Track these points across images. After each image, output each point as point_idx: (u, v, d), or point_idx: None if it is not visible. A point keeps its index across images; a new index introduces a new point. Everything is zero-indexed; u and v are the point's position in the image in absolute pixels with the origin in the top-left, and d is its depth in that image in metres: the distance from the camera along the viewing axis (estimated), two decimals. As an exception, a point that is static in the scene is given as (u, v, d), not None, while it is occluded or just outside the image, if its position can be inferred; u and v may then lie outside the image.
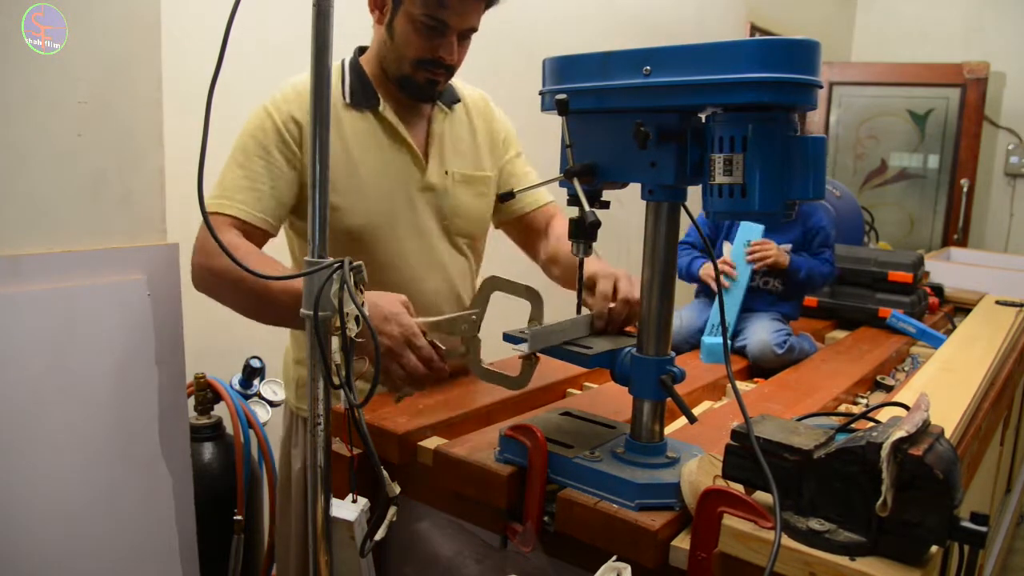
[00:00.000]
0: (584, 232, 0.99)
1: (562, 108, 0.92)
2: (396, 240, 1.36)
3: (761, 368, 1.73)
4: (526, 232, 1.55)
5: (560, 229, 1.48)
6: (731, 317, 1.81)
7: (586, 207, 0.95)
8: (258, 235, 1.28)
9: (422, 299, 1.36)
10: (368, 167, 1.33)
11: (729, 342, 1.78)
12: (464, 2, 1.24)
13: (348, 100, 1.34)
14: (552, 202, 1.53)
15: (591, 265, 1.16)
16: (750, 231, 1.86)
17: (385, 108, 1.35)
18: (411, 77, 1.31)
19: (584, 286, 1.10)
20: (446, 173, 1.40)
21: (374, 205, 1.33)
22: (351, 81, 1.35)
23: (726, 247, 1.88)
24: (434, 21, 1.24)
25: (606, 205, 1.00)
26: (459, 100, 1.45)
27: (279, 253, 1.43)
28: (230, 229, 1.24)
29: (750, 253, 1.81)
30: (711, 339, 1.69)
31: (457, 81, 1.45)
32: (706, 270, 1.88)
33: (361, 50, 1.41)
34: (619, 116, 0.92)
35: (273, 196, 1.28)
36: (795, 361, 1.72)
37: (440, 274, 1.43)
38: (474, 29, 1.31)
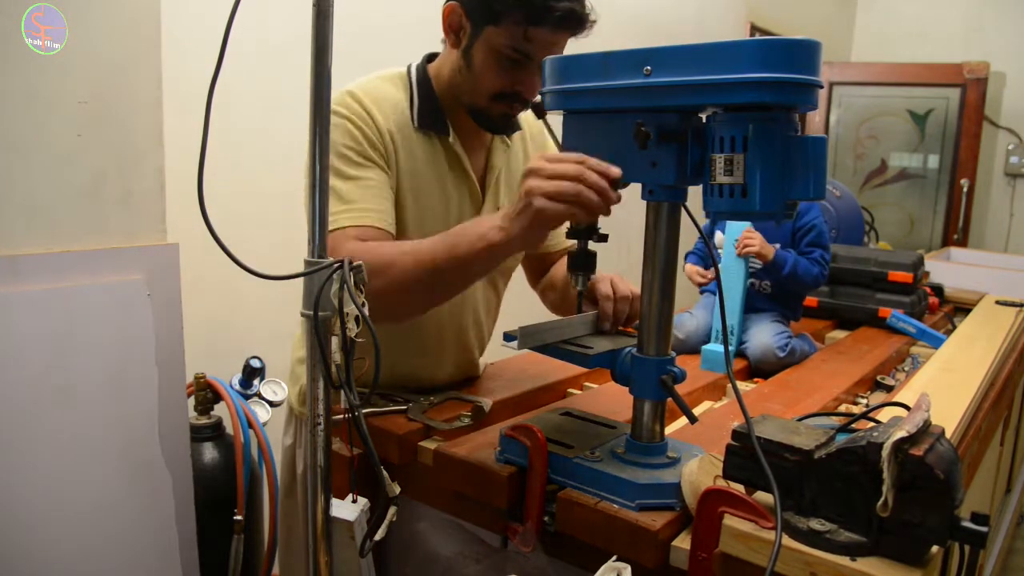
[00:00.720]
0: (583, 264, 0.99)
1: (537, 111, 0.91)
2: None
3: (761, 369, 1.73)
4: (539, 265, 1.50)
5: (557, 278, 1.44)
6: (732, 315, 1.79)
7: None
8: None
9: (450, 334, 1.33)
10: (431, 196, 1.25)
11: (731, 346, 1.77)
12: (555, 34, 1.14)
13: (416, 124, 1.23)
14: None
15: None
16: (740, 226, 1.83)
17: (454, 139, 1.25)
18: (486, 110, 1.22)
19: (584, 297, 1.09)
20: (497, 209, 1.30)
21: (429, 233, 1.24)
22: (419, 102, 1.24)
23: (718, 237, 1.87)
24: (518, 55, 1.14)
25: (604, 238, 1.00)
26: (519, 129, 1.36)
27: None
28: (349, 240, 1.14)
29: (736, 242, 1.79)
30: (711, 347, 1.69)
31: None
32: (689, 269, 1.89)
33: (429, 58, 1.31)
34: (619, 116, 0.92)
35: (387, 199, 1.19)
36: (796, 363, 1.72)
37: (472, 310, 1.37)
38: None
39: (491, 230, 1.00)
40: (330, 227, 1.08)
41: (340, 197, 1.14)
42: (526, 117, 1.35)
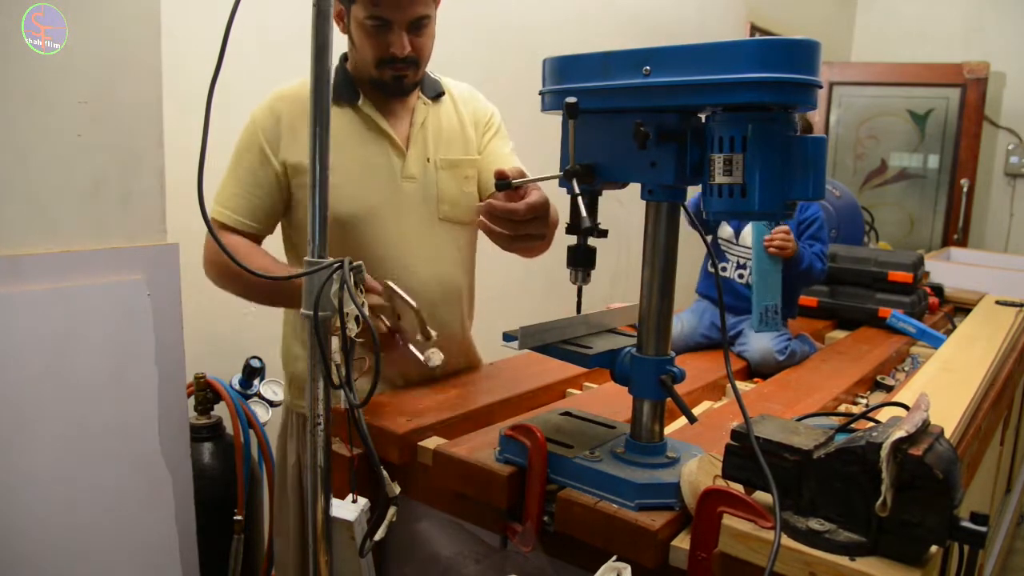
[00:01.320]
0: (583, 260, 0.99)
1: (572, 111, 0.91)
2: (383, 228, 1.39)
3: (761, 371, 1.73)
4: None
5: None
6: (776, 299, 1.77)
7: (583, 211, 0.94)
8: (252, 237, 1.38)
9: (414, 286, 1.36)
10: (350, 160, 1.36)
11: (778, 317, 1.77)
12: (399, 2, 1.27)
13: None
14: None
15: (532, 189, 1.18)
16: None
17: (364, 103, 1.39)
18: (378, 78, 1.35)
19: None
20: (428, 160, 1.43)
21: (357, 196, 1.37)
22: (334, 80, 1.37)
23: (725, 230, 1.86)
24: (377, 20, 1.28)
25: (604, 234, 1.00)
26: (443, 93, 1.49)
27: (277, 251, 1.43)
28: (228, 233, 1.36)
29: (770, 241, 1.76)
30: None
31: (445, 78, 1.50)
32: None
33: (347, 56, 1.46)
34: (619, 116, 0.92)
35: (257, 199, 1.37)
36: (795, 364, 1.72)
37: (431, 262, 1.44)
38: (424, 17, 1.31)
39: None
40: (220, 219, 1.35)
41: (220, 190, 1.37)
42: (456, 85, 1.52)
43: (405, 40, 1.30)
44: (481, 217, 1.14)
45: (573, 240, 1.02)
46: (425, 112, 1.45)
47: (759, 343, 1.72)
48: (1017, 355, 1.89)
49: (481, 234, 1.54)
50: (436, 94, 1.47)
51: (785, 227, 1.76)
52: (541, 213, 1.12)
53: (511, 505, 1.00)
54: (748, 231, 1.83)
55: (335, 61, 1.36)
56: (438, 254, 1.45)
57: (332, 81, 1.32)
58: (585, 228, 0.95)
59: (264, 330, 2.03)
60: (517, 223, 1.12)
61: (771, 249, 1.75)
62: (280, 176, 1.36)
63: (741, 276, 1.84)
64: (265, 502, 1.75)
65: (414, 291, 1.34)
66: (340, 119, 1.36)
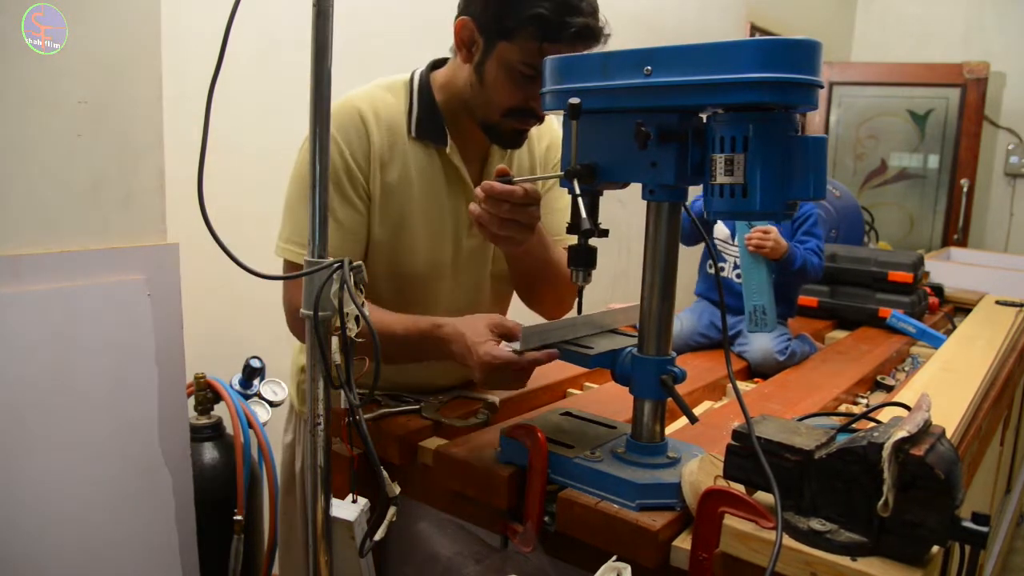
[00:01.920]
0: (584, 260, 0.99)
1: (575, 112, 0.91)
2: (441, 284, 1.29)
3: (761, 371, 1.72)
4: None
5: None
6: (764, 300, 1.74)
7: (583, 212, 0.94)
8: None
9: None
10: (428, 208, 1.24)
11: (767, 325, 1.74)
12: (570, 50, 1.08)
13: (413, 134, 1.22)
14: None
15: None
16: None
17: (452, 149, 1.23)
18: (498, 126, 1.19)
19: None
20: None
21: (428, 249, 1.25)
22: (419, 112, 1.22)
23: (721, 230, 1.84)
24: (533, 71, 1.11)
25: (605, 233, 1.00)
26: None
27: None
28: None
29: (748, 240, 1.73)
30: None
31: None
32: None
33: (434, 64, 1.28)
34: (620, 116, 0.92)
35: (352, 231, 1.19)
36: (796, 364, 1.72)
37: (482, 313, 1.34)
38: None
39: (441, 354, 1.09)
40: (299, 260, 1.10)
41: (295, 221, 1.18)
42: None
43: None
44: (472, 204, 1.06)
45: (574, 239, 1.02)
46: (501, 159, 1.30)
47: (760, 343, 1.72)
48: (1017, 355, 1.89)
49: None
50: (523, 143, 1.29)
51: (765, 227, 1.73)
52: (535, 201, 1.06)
53: (511, 505, 1.00)
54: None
55: (416, 75, 1.21)
56: (489, 308, 1.36)
57: (415, 109, 1.22)
58: (585, 230, 0.95)
59: (264, 330, 2.03)
60: (513, 206, 1.04)
61: (749, 247, 1.73)
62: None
63: (739, 276, 1.84)
64: (265, 502, 1.75)
65: None
66: (421, 159, 1.22)
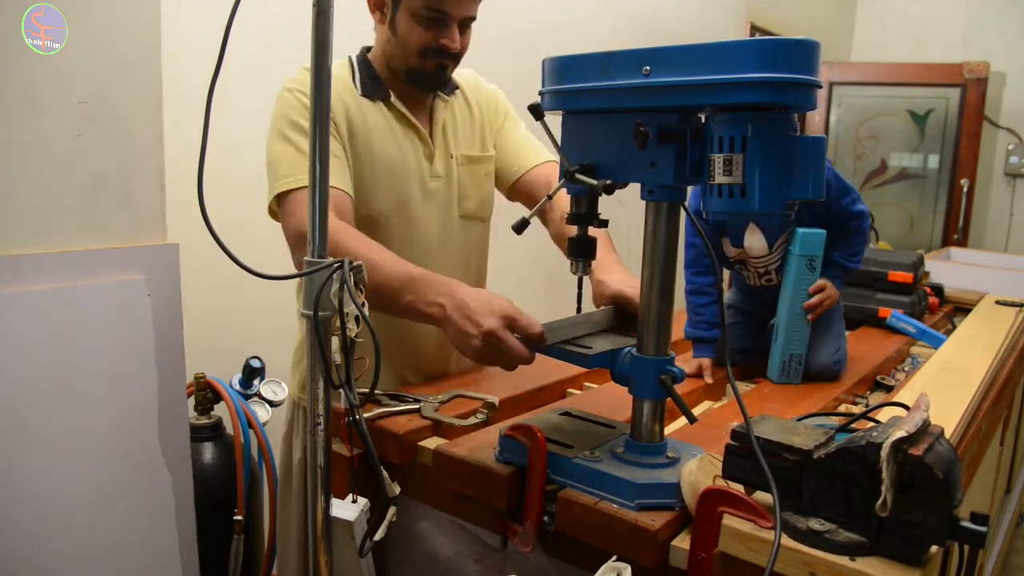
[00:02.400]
0: (583, 250, 0.99)
1: (536, 113, 0.94)
2: (410, 227, 1.41)
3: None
4: (529, 197, 1.56)
5: (562, 201, 1.36)
6: (802, 350, 1.53)
7: (594, 182, 0.94)
8: (345, 205, 1.29)
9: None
10: (385, 156, 1.38)
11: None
12: None
13: (360, 91, 1.39)
14: (547, 161, 1.54)
15: (612, 277, 1.21)
16: (811, 242, 1.48)
17: (395, 99, 1.40)
18: (419, 68, 1.35)
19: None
20: (451, 158, 1.46)
21: (391, 192, 1.38)
22: (361, 75, 1.41)
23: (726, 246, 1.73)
24: (435, 13, 1.30)
25: (604, 224, 1.00)
26: (457, 87, 1.50)
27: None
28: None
29: (809, 306, 1.53)
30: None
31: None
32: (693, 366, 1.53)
33: (367, 49, 1.45)
34: (619, 116, 0.92)
35: (344, 161, 1.32)
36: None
37: (456, 256, 1.47)
38: (473, 18, 1.35)
39: (437, 311, 1.13)
40: (294, 185, 1.25)
41: (280, 162, 1.29)
42: (461, 74, 1.50)
43: (457, 35, 1.33)
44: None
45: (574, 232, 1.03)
46: (444, 109, 1.46)
47: (817, 359, 1.54)
48: (1017, 355, 1.89)
49: (490, 230, 1.56)
50: (452, 89, 1.49)
51: (821, 284, 1.54)
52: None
53: (511, 505, 1.00)
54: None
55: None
56: (459, 252, 1.48)
57: (358, 74, 1.40)
58: (587, 213, 0.98)
59: (264, 330, 2.04)
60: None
61: (810, 317, 1.54)
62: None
63: (767, 282, 1.63)
64: (265, 502, 1.75)
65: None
66: (374, 114, 1.39)
